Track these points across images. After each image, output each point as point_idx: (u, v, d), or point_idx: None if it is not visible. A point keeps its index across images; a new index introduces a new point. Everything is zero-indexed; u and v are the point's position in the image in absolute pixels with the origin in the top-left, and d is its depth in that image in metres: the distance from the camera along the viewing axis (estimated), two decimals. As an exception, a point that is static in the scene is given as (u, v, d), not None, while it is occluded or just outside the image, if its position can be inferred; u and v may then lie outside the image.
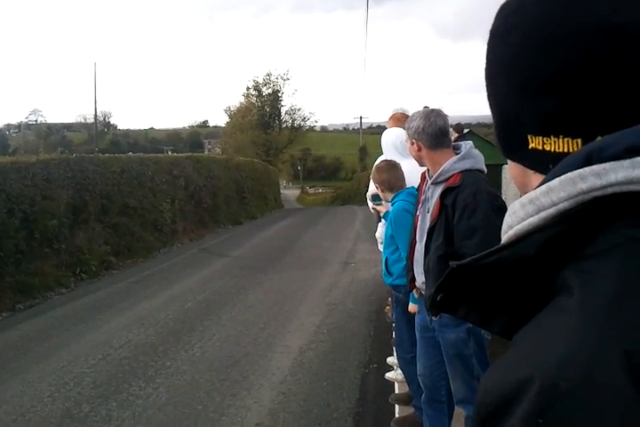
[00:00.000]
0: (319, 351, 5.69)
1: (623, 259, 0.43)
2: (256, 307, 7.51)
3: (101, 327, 6.77)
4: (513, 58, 0.57)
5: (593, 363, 0.39)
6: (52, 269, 9.38)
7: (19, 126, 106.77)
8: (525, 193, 0.56)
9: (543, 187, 0.49)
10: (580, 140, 0.53)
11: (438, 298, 0.57)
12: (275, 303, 7.63)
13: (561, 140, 0.54)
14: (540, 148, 0.55)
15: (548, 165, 0.52)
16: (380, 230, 4.18)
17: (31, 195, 9.34)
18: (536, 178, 0.56)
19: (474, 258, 0.53)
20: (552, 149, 0.54)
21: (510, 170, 0.63)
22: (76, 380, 5.09)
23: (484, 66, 0.64)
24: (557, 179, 0.48)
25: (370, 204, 4.07)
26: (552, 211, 0.48)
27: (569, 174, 0.47)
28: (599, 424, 0.37)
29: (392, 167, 3.57)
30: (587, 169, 0.46)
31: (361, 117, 59.25)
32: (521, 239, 0.50)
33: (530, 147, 0.56)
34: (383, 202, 3.79)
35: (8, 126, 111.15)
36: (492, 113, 0.63)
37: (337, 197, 41.67)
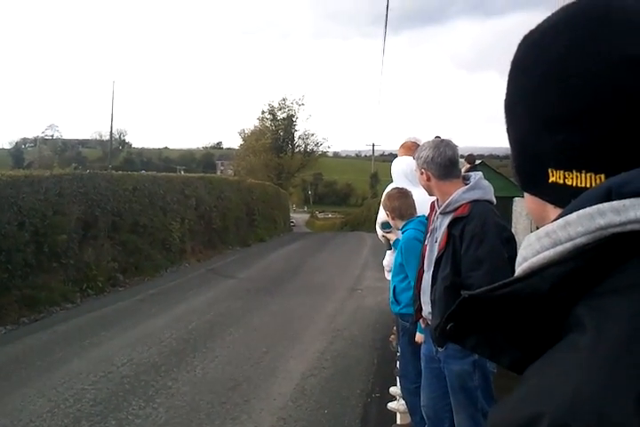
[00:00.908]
0: (321, 378, 5.63)
1: (638, 299, 0.43)
2: (260, 330, 7.47)
3: (104, 344, 6.74)
4: (535, 90, 0.57)
5: (605, 403, 0.38)
6: (59, 284, 9.40)
7: (35, 141, 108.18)
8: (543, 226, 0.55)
9: (561, 220, 0.49)
10: (602, 176, 0.52)
11: (448, 327, 0.56)
12: (279, 327, 7.58)
13: (583, 174, 0.53)
14: (562, 182, 0.54)
15: (568, 200, 0.51)
16: (388, 258, 4.16)
17: (43, 209, 9.41)
18: (554, 212, 0.55)
19: (487, 289, 0.52)
20: (574, 184, 0.53)
21: (527, 203, 0.63)
22: (76, 396, 5.05)
23: (503, 97, 0.63)
24: (575, 213, 0.47)
25: (379, 231, 4.07)
26: (568, 245, 0.47)
27: (587, 209, 0.47)
28: None
29: (403, 195, 3.58)
30: (606, 205, 0.46)
31: (373, 145, 59.60)
32: (535, 273, 0.49)
33: (550, 181, 0.56)
34: (393, 229, 3.79)
35: (24, 140, 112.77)
36: (511, 145, 0.62)
37: (346, 223, 41.69)
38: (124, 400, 4.97)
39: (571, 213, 0.48)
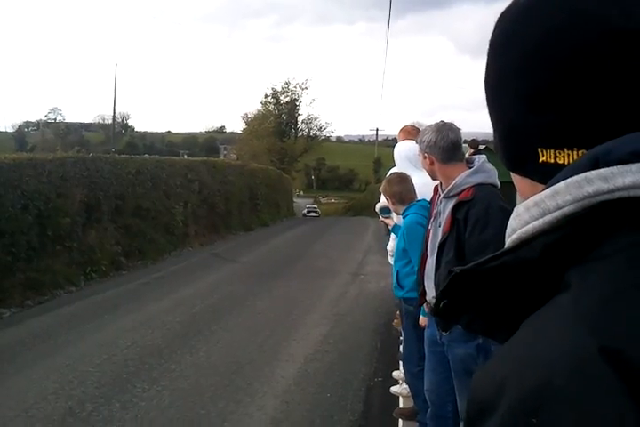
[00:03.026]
0: (324, 362, 5.65)
1: (623, 262, 0.43)
2: (264, 314, 7.49)
3: (108, 327, 6.78)
4: (519, 71, 0.55)
5: (584, 358, 0.38)
6: (63, 267, 9.44)
7: (37, 124, 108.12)
8: None
9: (549, 190, 0.48)
10: None
11: (441, 305, 0.56)
12: (282, 311, 7.61)
13: (575, 152, 0.52)
14: (552, 161, 0.53)
15: None
16: (392, 243, 4.15)
17: (46, 192, 9.43)
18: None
19: (476, 263, 0.51)
20: (566, 162, 0.52)
21: (517, 185, 0.62)
22: (80, 379, 5.08)
23: (484, 79, 0.61)
24: (563, 182, 0.47)
25: (379, 216, 4.06)
26: (557, 214, 0.47)
27: (575, 177, 0.46)
28: (592, 419, 0.37)
29: (403, 180, 3.55)
30: (593, 173, 0.45)
31: (377, 129, 59.33)
32: (525, 243, 0.49)
33: (540, 161, 0.55)
34: (393, 215, 3.77)
35: (27, 124, 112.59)
36: (496, 128, 0.61)
37: (350, 208, 41.79)
38: (127, 383, 5.00)
39: (558, 182, 0.48)
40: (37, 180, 9.28)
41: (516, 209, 0.52)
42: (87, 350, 5.91)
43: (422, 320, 3.08)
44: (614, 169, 0.45)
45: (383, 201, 3.83)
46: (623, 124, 0.50)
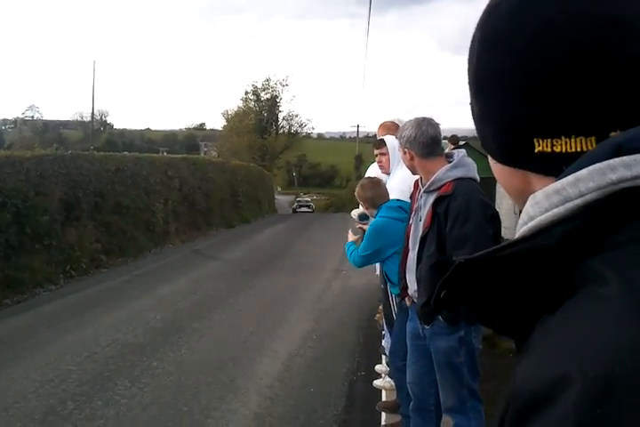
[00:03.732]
0: (308, 358, 5.67)
1: None
2: (246, 311, 7.49)
3: (89, 325, 6.72)
4: (512, 64, 0.55)
5: None
6: (42, 265, 9.31)
7: (15, 122, 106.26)
8: (523, 200, 0.55)
9: (570, 177, 0.48)
10: (593, 139, 0.52)
11: (442, 295, 0.55)
12: (265, 308, 7.61)
13: (573, 139, 0.53)
14: (549, 150, 0.54)
15: (559, 167, 0.51)
16: None
17: (24, 190, 9.29)
18: (541, 181, 0.55)
19: (487, 251, 0.51)
20: (563, 150, 0.53)
21: (504, 178, 0.62)
22: (61, 377, 5.03)
23: (469, 74, 0.61)
24: (586, 169, 0.47)
25: (356, 222, 4.09)
26: (579, 202, 0.47)
27: (598, 165, 0.46)
28: None
29: (375, 184, 3.65)
30: (617, 160, 0.46)
31: (358, 126, 59.47)
32: (543, 231, 0.49)
33: (536, 151, 0.55)
34: (370, 220, 3.83)
35: (4, 122, 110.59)
36: (485, 121, 0.61)
37: (331, 205, 41.81)
38: (109, 380, 4.96)
39: (580, 169, 0.48)
40: (15, 177, 9.14)
41: (533, 197, 0.52)
42: (68, 348, 5.85)
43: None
44: (637, 157, 0.45)
45: (360, 208, 3.90)
46: (623, 109, 0.51)
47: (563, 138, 0.53)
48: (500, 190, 6.70)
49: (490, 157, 0.63)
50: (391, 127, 4.36)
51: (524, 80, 0.55)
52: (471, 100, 0.63)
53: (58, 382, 4.93)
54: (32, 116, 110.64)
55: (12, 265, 8.61)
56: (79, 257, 10.29)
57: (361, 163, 49.59)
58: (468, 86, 0.63)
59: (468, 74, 0.62)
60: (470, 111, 0.64)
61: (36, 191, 9.62)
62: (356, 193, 3.77)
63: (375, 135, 4.90)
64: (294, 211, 39.28)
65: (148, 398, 4.60)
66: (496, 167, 0.62)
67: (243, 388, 4.84)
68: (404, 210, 3.35)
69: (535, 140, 0.55)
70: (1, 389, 4.77)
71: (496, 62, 0.57)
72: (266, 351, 5.82)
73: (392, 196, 3.62)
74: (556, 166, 0.52)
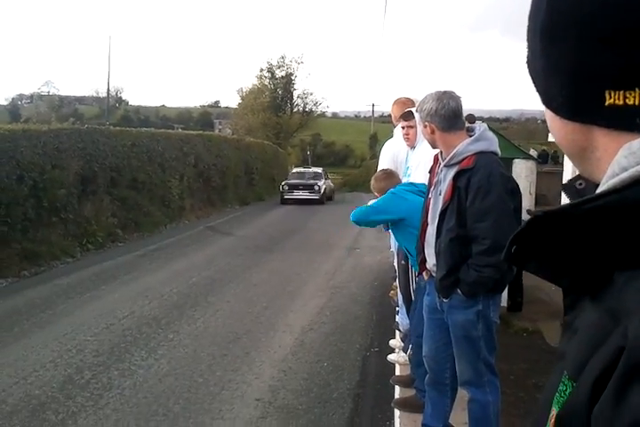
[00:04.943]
0: (321, 333, 5.70)
1: None
2: (260, 286, 7.53)
3: (106, 298, 6.80)
4: (592, 9, 0.52)
5: None
6: (59, 239, 9.42)
7: (31, 97, 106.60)
8: (583, 159, 0.52)
9: None
10: None
11: (512, 250, 0.53)
12: (279, 284, 7.65)
13: None
14: (621, 103, 0.51)
15: (632, 120, 0.49)
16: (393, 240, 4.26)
17: (41, 163, 9.34)
18: (607, 137, 0.52)
19: (571, 204, 0.49)
20: (635, 103, 0.50)
21: (565, 135, 0.59)
22: (78, 347, 5.11)
23: (532, 22, 0.58)
24: None
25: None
26: None
27: None
28: None
29: (389, 176, 3.79)
30: None
31: (373, 105, 58.95)
32: (638, 182, 0.46)
33: (607, 104, 0.52)
34: None
35: (20, 97, 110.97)
36: (551, 74, 0.58)
37: (345, 184, 41.58)
38: (125, 352, 5.03)
39: None
40: (32, 151, 9.18)
41: (628, 147, 0.49)
42: (85, 319, 5.94)
43: None
44: None
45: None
46: None
47: (637, 89, 0.50)
48: (516, 171, 6.58)
49: (550, 116, 0.59)
50: (406, 103, 4.33)
51: (605, 26, 0.52)
52: (532, 53, 0.60)
53: (75, 352, 5.01)
54: (48, 92, 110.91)
55: (29, 238, 8.71)
56: (95, 231, 10.39)
57: (376, 142, 49.27)
58: (530, 36, 0.59)
59: (534, 21, 0.58)
60: (529, 67, 0.61)
61: (52, 165, 9.67)
62: (371, 186, 3.90)
63: (390, 115, 4.86)
64: (283, 200, 20.68)
65: (164, 369, 4.66)
66: (557, 124, 0.59)
67: (257, 360, 4.88)
68: (420, 190, 3.34)
69: (607, 93, 0.52)
70: (20, 358, 4.86)
71: (574, 6, 0.54)
72: (279, 326, 5.86)
73: (416, 169, 3.63)
74: (627, 120, 0.50)
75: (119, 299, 6.74)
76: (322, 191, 20.97)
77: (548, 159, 26.20)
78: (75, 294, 7.01)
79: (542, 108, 0.61)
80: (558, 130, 0.59)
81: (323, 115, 57.30)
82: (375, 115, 66.64)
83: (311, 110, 51.76)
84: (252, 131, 41.24)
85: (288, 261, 9.17)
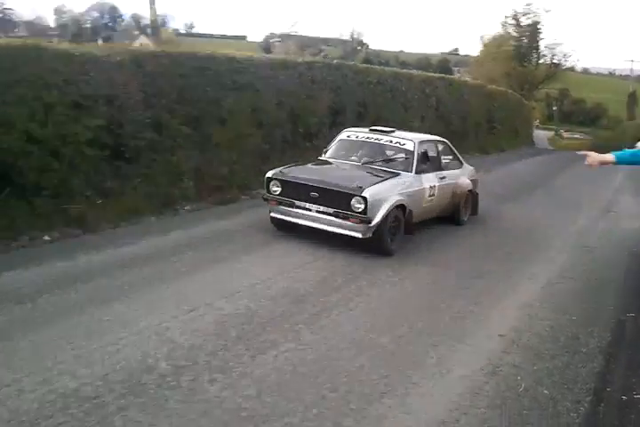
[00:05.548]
0: (569, 287, 5.30)
1: None
2: (503, 230, 7.35)
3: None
4: None
5: None
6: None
7: (281, 36, 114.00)
8: None
9: None
10: None
11: None
12: (522, 233, 7.33)
13: None
14: None
15: None
16: None
17: (297, 92, 9.94)
18: None
19: None
20: None
21: None
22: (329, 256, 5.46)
23: None
24: None
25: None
26: None
27: None
28: None
29: None
30: None
31: (632, 61, 51.73)
32: None
33: None
34: None
35: (272, 35, 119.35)
36: None
37: (595, 147, 37.86)
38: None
39: None
40: (290, 81, 9.79)
41: None
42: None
43: None
44: None
45: None
46: None
47: None
48: None
49: None
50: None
51: None
52: None
53: (327, 259, 5.41)
54: (296, 32, 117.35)
55: (286, 158, 9.42)
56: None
57: (635, 102, 43.54)
58: None
59: None
60: None
61: (307, 95, 10.22)
62: None
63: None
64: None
65: (408, 288, 4.82)
66: None
67: (501, 299, 4.82)
68: None
69: None
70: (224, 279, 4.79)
71: None
72: (524, 273, 5.61)
73: None
74: None
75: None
76: None
77: None
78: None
79: None
80: None
81: (572, 69, 52.12)
82: (635, 73, 58.45)
83: (559, 62, 47.28)
84: (494, 80, 39.16)
85: (530, 214, 8.62)
